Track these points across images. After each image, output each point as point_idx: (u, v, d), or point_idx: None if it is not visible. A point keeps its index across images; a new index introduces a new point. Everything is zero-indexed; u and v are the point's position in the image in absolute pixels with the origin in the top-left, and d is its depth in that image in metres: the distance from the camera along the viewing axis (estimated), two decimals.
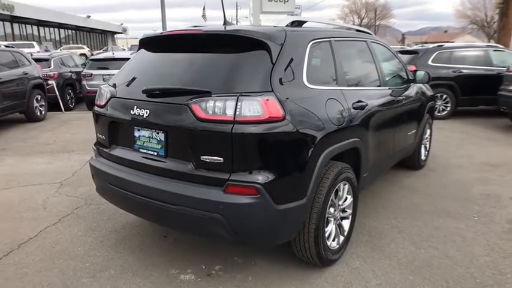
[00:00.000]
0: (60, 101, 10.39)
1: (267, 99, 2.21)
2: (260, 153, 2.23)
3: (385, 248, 3.12)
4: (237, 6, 56.04)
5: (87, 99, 10.89)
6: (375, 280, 2.70)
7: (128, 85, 2.75)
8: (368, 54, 3.57)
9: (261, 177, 2.22)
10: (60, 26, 42.66)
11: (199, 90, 2.30)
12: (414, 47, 11.19)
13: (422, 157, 5.08)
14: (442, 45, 9.00)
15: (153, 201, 2.46)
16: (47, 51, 19.55)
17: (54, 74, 10.59)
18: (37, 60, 10.32)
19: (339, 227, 2.90)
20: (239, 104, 2.18)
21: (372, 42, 3.74)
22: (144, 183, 2.51)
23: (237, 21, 58.03)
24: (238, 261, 2.95)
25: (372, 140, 3.21)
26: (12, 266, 2.95)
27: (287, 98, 2.31)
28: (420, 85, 4.65)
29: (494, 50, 8.83)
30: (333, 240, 2.81)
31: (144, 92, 2.50)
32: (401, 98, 3.93)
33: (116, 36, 62.71)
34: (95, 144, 3.10)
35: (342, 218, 2.94)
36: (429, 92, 4.97)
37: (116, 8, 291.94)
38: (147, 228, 3.55)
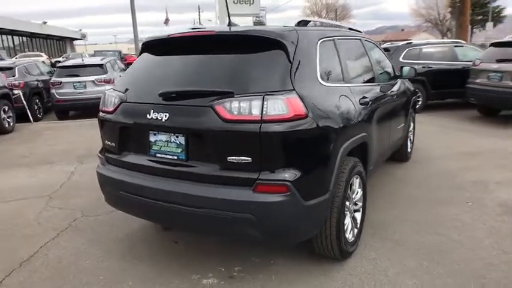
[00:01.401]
0: (28, 111, 9.91)
1: (291, 98, 2.25)
2: (287, 151, 2.27)
3: (393, 238, 3.24)
4: (199, 9, 55.71)
5: (57, 109, 10.48)
6: (393, 268, 2.79)
7: (139, 89, 2.70)
8: (363, 52, 3.69)
9: (289, 175, 2.25)
10: (12, 32, 40.52)
11: (222, 91, 2.30)
12: (384, 46, 11.57)
13: (408, 149, 5.29)
14: (411, 43, 9.40)
15: (175, 206, 2.43)
16: (1, 59, 18.55)
17: (19, 83, 10.08)
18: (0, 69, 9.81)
19: (353, 219, 2.98)
20: (265, 103, 2.20)
21: (365, 40, 3.87)
22: (164, 188, 2.47)
23: (200, 25, 57.69)
24: (257, 261, 2.96)
25: (375, 134, 3.32)
26: (18, 286, 2.81)
27: (307, 96, 2.36)
28: (405, 80, 4.85)
29: (458, 46, 9.33)
30: (349, 233, 2.89)
31: (161, 95, 2.46)
32: (393, 93, 4.10)
33: (74, 42, 60.47)
34: (100, 152, 3.01)
35: (355, 211, 3.02)
36: (411, 87, 5.19)
37: (74, 14, 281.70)
38: (152, 235, 3.49)
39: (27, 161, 6.27)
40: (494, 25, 32.39)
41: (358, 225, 3.05)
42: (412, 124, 5.34)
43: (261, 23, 38.28)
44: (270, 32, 2.48)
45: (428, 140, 6.49)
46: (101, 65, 10.62)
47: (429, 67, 8.81)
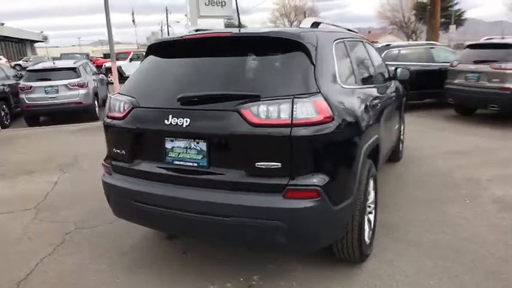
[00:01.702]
0: None
1: (319, 100, 2.20)
2: (316, 155, 2.22)
3: (405, 238, 3.26)
4: (167, 10, 54.89)
5: (27, 115, 9.95)
6: (411, 269, 2.80)
7: (152, 94, 2.56)
8: (366, 54, 3.71)
9: (319, 179, 2.20)
10: None
11: (248, 94, 2.22)
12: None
13: (400, 149, 5.39)
14: (389, 45, 9.62)
15: (197, 215, 2.32)
16: None
17: None
18: None
19: (368, 222, 2.97)
20: (295, 106, 2.14)
21: (366, 42, 3.89)
22: (184, 197, 2.35)
23: (168, 26, 56.77)
24: (274, 268, 2.89)
25: (382, 136, 3.34)
26: None
27: (331, 98, 2.32)
28: (397, 82, 4.93)
29: (434, 48, 9.65)
30: (367, 235, 2.87)
31: (180, 99, 2.34)
32: (392, 94, 4.15)
33: (35, 45, 57.92)
34: (106, 160, 2.84)
35: (369, 213, 3.01)
36: (402, 88, 5.29)
37: (34, 15, 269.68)
38: (157, 245, 3.34)
39: (2, 170, 5.89)
40: (456, 28, 33.94)
41: (372, 227, 3.05)
42: (403, 124, 5.45)
43: (232, 25, 38.33)
44: (290, 33, 2.43)
45: (414, 139, 6.64)
46: (73, 69, 10.18)
47: (407, 68, 9.02)
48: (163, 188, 2.45)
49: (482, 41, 8.65)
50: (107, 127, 2.73)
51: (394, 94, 4.42)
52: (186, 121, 2.30)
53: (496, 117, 8.01)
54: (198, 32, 2.79)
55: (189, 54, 2.68)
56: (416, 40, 41.03)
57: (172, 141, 2.44)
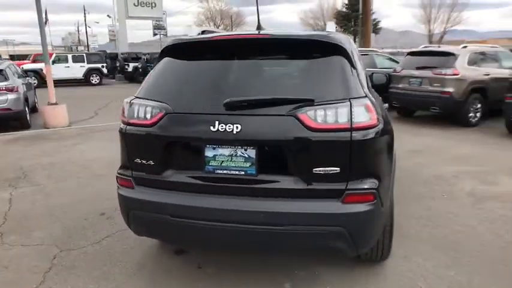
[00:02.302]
0: None
1: (370, 104, 2.24)
2: (370, 158, 2.25)
3: (409, 234, 3.44)
4: (84, 10, 51.40)
5: None
6: (428, 262, 2.97)
7: (188, 98, 2.37)
8: (361, 59, 3.84)
9: (373, 182, 2.23)
10: None
11: (302, 98, 2.17)
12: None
13: None
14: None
15: (248, 226, 2.20)
16: None
17: None
18: None
19: None
20: (353, 110, 2.14)
21: None
22: (232, 208, 2.22)
23: (86, 27, 53.15)
24: (302, 274, 2.85)
25: None
26: None
27: (373, 102, 2.37)
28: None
29: (376, 55, 10.37)
30: None
31: (227, 104, 2.20)
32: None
33: None
34: (124, 172, 2.56)
35: None
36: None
37: None
38: (168, 262, 3.10)
39: None
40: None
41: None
42: None
43: (161, 27, 37.32)
44: (329, 37, 2.42)
45: None
46: (0, 71, 9.05)
47: (385, 74, 9.60)
48: (206, 200, 2.28)
49: (421, 48, 9.51)
50: (127, 135, 2.47)
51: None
52: (237, 127, 2.17)
53: (434, 118, 8.85)
54: (209, 34, 2.66)
55: (222, 56, 2.53)
56: None
57: (214, 148, 2.28)
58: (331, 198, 2.17)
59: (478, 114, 8.16)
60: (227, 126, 2.19)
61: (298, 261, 2.98)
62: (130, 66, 22.23)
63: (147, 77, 2.65)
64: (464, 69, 7.88)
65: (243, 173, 2.26)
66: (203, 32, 3.03)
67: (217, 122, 2.20)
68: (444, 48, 8.85)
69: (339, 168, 2.15)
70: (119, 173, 2.59)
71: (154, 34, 33.50)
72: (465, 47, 8.78)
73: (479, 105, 8.12)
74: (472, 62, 8.12)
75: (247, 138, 2.20)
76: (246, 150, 2.24)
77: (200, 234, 2.37)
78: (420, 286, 2.69)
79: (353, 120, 2.14)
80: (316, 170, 2.16)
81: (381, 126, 2.29)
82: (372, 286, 2.71)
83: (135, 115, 2.42)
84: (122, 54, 24.38)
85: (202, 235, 2.38)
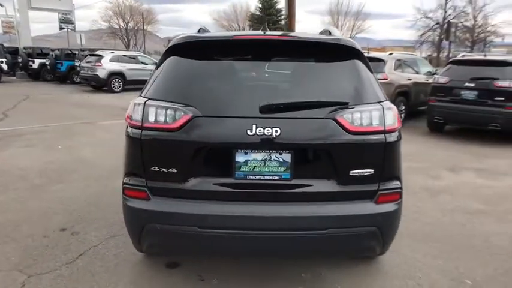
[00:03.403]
0: None
1: (395, 108, 2.33)
2: (396, 159, 2.34)
3: None
4: None
5: None
6: (417, 254, 3.19)
7: (215, 101, 2.21)
8: None
9: (398, 182, 2.33)
10: None
11: (339, 102, 2.17)
12: None
13: None
14: None
15: (287, 232, 2.14)
16: None
17: None
18: None
19: None
20: (385, 113, 2.21)
21: None
22: (269, 215, 2.13)
23: None
24: (308, 277, 2.85)
25: None
26: None
27: None
28: None
29: None
30: None
31: (264, 108, 2.10)
32: None
33: None
34: (134, 181, 2.29)
35: None
36: None
37: None
38: (163, 277, 2.85)
39: None
40: None
41: None
42: None
43: (69, 21, 34.12)
44: (352, 42, 2.45)
45: None
46: None
47: None
48: (237, 208, 2.15)
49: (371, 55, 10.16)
50: (144, 140, 2.20)
51: None
52: (276, 131, 2.09)
53: None
54: (216, 33, 2.52)
55: (247, 57, 2.40)
56: None
57: (246, 153, 2.16)
58: (365, 199, 2.22)
59: (403, 116, 9.01)
60: (265, 129, 2.09)
61: (300, 265, 2.97)
62: (36, 63, 19.94)
63: (154, 76, 2.39)
64: (391, 74, 8.65)
65: (277, 178, 2.19)
66: (199, 31, 2.84)
67: (254, 126, 2.09)
68: (373, 54, 9.59)
69: (373, 170, 2.21)
70: (126, 183, 2.30)
71: (61, 28, 30.50)
72: (391, 53, 9.63)
73: (403, 107, 8.99)
74: (397, 68, 8.96)
75: (284, 142, 2.13)
76: (281, 154, 2.17)
77: (231, 244, 2.23)
78: (419, 276, 2.89)
79: (386, 123, 2.21)
80: (352, 172, 2.18)
81: (399, 128, 2.40)
82: (379, 281, 2.82)
83: (154, 118, 2.17)
84: (24, 49, 21.69)
85: (234, 244, 2.24)
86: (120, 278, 2.83)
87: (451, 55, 23.46)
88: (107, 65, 15.96)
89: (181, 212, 2.17)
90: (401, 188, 2.34)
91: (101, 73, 15.77)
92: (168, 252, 2.74)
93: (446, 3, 39.67)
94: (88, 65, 16.33)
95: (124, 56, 17.33)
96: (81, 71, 16.83)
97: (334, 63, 2.41)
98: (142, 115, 2.20)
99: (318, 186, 2.20)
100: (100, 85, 16.22)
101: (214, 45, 2.48)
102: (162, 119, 2.17)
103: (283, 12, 43.74)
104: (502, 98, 6.88)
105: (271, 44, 2.41)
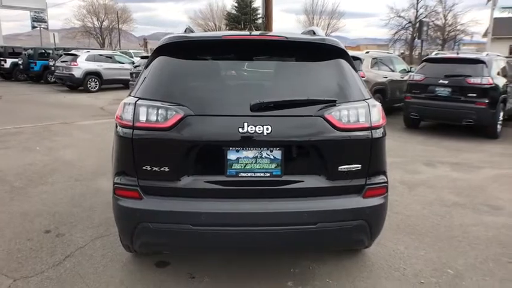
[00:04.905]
0: None
1: (379, 105, 2.41)
2: (381, 154, 2.43)
3: None
4: None
5: None
6: (400, 246, 3.31)
7: (206, 99, 2.23)
8: None
9: (384, 177, 2.43)
10: None
11: (327, 99, 2.24)
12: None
13: None
14: None
15: (277, 228, 2.19)
16: None
17: None
18: None
19: None
20: (371, 110, 2.29)
21: None
22: (260, 211, 2.18)
23: None
24: (297, 272, 2.92)
25: None
26: None
27: None
28: None
29: None
30: None
31: (255, 106, 2.14)
32: None
33: None
34: (125, 181, 2.29)
35: None
36: None
37: None
38: (151, 278, 2.85)
39: None
40: None
41: None
42: None
43: (42, 20, 33.07)
44: (338, 42, 2.52)
45: None
46: None
47: None
48: (229, 205, 2.19)
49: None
50: (135, 140, 2.20)
51: None
52: (267, 128, 2.14)
53: None
54: (203, 33, 2.56)
55: (235, 56, 2.44)
56: None
57: (238, 151, 2.20)
58: (353, 194, 2.30)
59: None
60: (257, 127, 2.14)
61: (287, 261, 3.03)
62: (8, 62, 19.29)
63: (143, 76, 2.40)
64: (368, 72, 8.85)
65: (268, 174, 2.24)
66: (185, 31, 2.85)
67: (245, 124, 2.14)
68: (349, 52, 9.75)
69: (360, 165, 2.29)
70: (118, 183, 2.30)
71: (33, 27, 29.52)
72: (368, 52, 9.85)
73: (380, 104, 9.19)
74: (373, 66, 9.17)
75: (275, 139, 2.18)
76: (271, 151, 2.22)
77: (225, 240, 2.27)
78: (403, 267, 3.00)
79: (372, 119, 2.29)
80: (341, 168, 2.25)
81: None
82: (365, 273, 2.92)
83: (145, 118, 2.18)
84: None
85: (227, 241, 2.27)
86: (110, 279, 2.81)
87: (423, 53, 24.15)
88: (82, 64, 15.63)
89: (174, 210, 2.19)
90: (387, 182, 2.43)
91: (77, 73, 15.43)
92: (160, 251, 2.75)
93: (418, 3, 40.90)
94: (63, 64, 15.93)
95: (100, 55, 17.01)
96: (56, 71, 16.42)
97: (320, 62, 2.48)
98: (134, 115, 2.20)
99: (307, 182, 2.26)
100: (76, 85, 15.87)
101: (203, 45, 2.50)
102: (153, 118, 2.18)
103: (259, 11, 44.13)
104: (474, 95, 7.17)
105: (259, 44, 2.45)
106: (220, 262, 2.99)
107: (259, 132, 2.14)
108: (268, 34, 2.62)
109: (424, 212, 4.05)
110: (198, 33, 2.75)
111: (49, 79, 18.54)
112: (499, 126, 7.59)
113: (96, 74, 15.93)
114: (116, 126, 2.38)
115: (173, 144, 2.19)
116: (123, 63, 17.03)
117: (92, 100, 13.56)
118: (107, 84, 16.36)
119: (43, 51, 19.89)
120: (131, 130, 2.21)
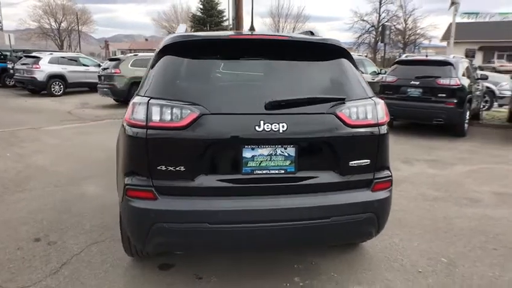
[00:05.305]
0: None
1: (384, 102, 2.52)
2: (386, 149, 2.53)
3: None
4: None
5: None
6: (394, 239, 3.45)
7: (221, 98, 2.24)
8: None
9: (388, 171, 2.53)
10: None
11: (337, 97, 2.31)
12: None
13: None
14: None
15: (294, 223, 2.24)
16: None
17: None
18: None
19: None
20: (377, 107, 2.39)
21: None
22: (277, 207, 2.22)
23: None
24: (302, 267, 2.97)
25: None
26: None
27: None
28: None
29: None
30: None
31: (269, 104, 2.18)
32: None
33: None
34: (138, 181, 2.24)
35: None
36: None
37: None
38: (156, 282, 2.81)
39: None
40: None
41: None
42: None
43: None
44: (340, 42, 2.60)
45: None
46: None
47: None
48: (245, 202, 2.21)
49: None
50: (149, 140, 2.16)
51: None
52: (283, 126, 2.18)
53: None
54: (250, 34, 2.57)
55: (243, 56, 2.46)
56: None
57: (253, 149, 2.22)
58: (363, 188, 2.39)
59: None
60: (273, 125, 2.17)
61: (290, 258, 3.08)
62: None
63: (150, 76, 2.38)
64: None
65: (282, 171, 2.27)
66: (186, 30, 2.85)
67: (262, 122, 2.17)
68: None
69: (369, 160, 2.38)
70: (129, 184, 2.24)
71: None
72: None
73: None
74: None
75: (290, 137, 2.23)
76: (285, 148, 2.26)
77: (241, 238, 2.28)
78: (401, 258, 3.13)
79: (378, 116, 2.39)
80: (351, 163, 2.33)
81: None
82: (366, 265, 3.02)
83: (159, 117, 2.15)
84: None
85: (244, 238, 2.28)
86: (113, 284, 2.74)
87: (386, 56, 25.11)
88: (45, 67, 14.95)
89: (190, 210, 2.18)
90: (391, 176, 2.54)
91: (40, 76, 14.74)
92: (174, 251, 2.71)
93: (380, 7, 42.44)
94: (24, 67, 15.17)
95: (64, 57, 16.34)
96: (16, 74, 15.61)
97: (325, 62, 2.55)
98: (146, 114, 2.17)
99: (321, 178, 2.32)
100: (39, 89, 15.12)
101: (210, 44, 2.50)
102: (168, 117, 2.15)
103: (225, 14, 44.18)
104: (444, 95, 7.56)
105: (266, 43, 2.49)
106: (227, 261, 2.99)
107: (275, 130, 2.18)
108: (272, 34, 2.67)
109: (411, 206, 4.24)
110: (204, 33, 2.75)
111: (7, 83, 17.65)
112: (466, 125, 8.04)
113: (60, 77, 15.29)
114: (123, 127, 2.34)
115: (189, 144, 2.18)
116: (88, 65, 16.48)
117: (57, 104, 13.01)
118: (72, 87, 15.75)
119: (0, 53, 18.88)
120: (144, 130, 2.17)
